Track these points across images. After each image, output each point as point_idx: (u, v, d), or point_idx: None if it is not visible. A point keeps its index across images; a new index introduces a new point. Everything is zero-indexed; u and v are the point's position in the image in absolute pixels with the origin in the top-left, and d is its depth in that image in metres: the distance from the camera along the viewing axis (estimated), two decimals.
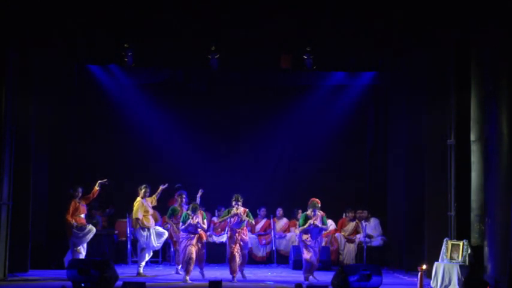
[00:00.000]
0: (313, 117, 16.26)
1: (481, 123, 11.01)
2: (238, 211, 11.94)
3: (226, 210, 12.11)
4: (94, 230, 12.73)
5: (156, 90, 15.83)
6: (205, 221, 12.05)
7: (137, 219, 12.59)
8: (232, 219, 12.01)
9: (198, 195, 12.41)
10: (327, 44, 13.37)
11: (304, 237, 12.02)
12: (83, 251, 12.61)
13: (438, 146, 12.20)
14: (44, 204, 13.49)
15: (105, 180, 12.89)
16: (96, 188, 12.78)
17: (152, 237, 12.61)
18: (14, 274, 12.00)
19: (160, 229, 12.85)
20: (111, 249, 14.25)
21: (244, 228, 12.16)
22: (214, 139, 16.12)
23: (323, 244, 14.14)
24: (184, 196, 13.01)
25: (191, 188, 13.24)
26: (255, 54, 13.80)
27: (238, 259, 11.94)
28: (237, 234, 12.02)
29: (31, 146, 12.64)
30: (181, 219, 12.13)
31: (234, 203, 12.00)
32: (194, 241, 11.88)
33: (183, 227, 11.86)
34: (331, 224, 14.99)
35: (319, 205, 12.09)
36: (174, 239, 13.03)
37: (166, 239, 13.24)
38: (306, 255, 11.98)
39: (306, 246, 12.02)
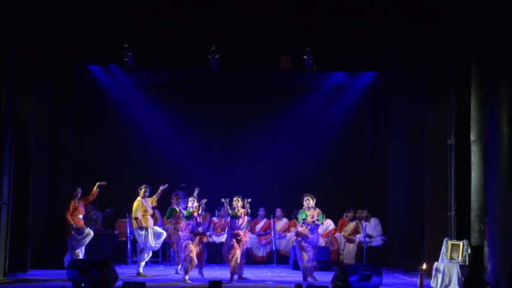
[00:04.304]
0: (313, 117, 16.26)
1: (481, 123, 11.00)
2: (240, 212, 11.98)
3: (233, 211, 12.07)
4: (92, 234, 12.77)
5: (156, 90, 15.84)
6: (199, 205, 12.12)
7: (136, 218, 12.61)
8: (237, 221, 12.01)
9: (195, 193, 12.42)
10: (327, 44, 13.35)
11: (301, 229, 11.99)
12: (80, 254, 12.62)
13: (438, 146, 12.20)
14: (43, 204, 13.50)
15: (104, 182, 12.90)
16: (95, 189, 12.80)
17: (150, 237, 12.61)
18: (14, 274, 12.00)
19: (158, 229, 12.85)
20: (111, 249, 14.26)
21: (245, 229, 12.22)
22: (214, 139, 16.13)
23: (323, 244, 14.17)
24: (181, 196, 13.02)
25: (190, 188, 13.25)
26: (255, 54, 13.79)
27: (240, 259, 11.93)
28: (243, 236, 12.03)
29: (31, 146, 12.64)
30: (167, 214, 12.40)
31: (236, 203, 12.02)
32: (196, 241, 11.88)
33: (185, 219, 11.91)
34: (330, 224, 15.02)
35: (315, 200, 12.15)
36: (173, 240, 13.05)
37: (165, 240, 13.25)
38: (304, 258, 11.97)
39: (303, 248, 12.01)
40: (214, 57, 13.41)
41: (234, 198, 12.10)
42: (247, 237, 12.26)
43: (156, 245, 12.85)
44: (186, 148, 15.85)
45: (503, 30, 10.54)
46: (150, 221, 12.76)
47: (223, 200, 12.14)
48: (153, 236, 12.67)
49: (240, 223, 12.00)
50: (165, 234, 12.92)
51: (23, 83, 12.32)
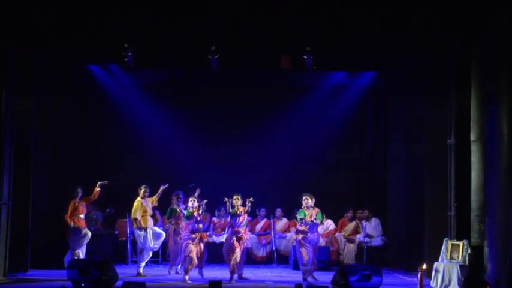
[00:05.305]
0: (313, 117, 16.26)
1: (481, 123, 11.00)
2: (240, 210, 12.00)
3: (234, 210, 12.07)
4: (89, 234, 12.74)
5: (156, 90, 15.85)
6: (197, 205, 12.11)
7: (135, 219, 12.61)
8: (237, 219, 12.01)
9: (196, 195, 12.43)
10: (327, 44, 13.36)
11: (301, 228, 12.02)
12: (81, 254, 12.61)
13: (438, 146, 12.20)
14: (43, 204, 13.50)
15: (106, 181, 12.89)
16: (97, 189, 12.79)
17: (149, 237, 12.60)
18: (14, 274, 12.00)
19: (158, 230, 12.84)
20: (111, 249, 14.25)
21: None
22: (214, 139, 16.12)
23: (323, 244, 14.17)
24: (181, 196, 13.04)
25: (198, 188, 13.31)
26: (255, 54, 13.80)
27: (239, 258, 11.92)
28: (244, 234, 12.04)
29: (31, 146, 12.64)
30: (167, 214, 12.66)
31: (236, 201, 12.03)
32: (196, 240, 11.88)
33: (185, 219, 11.93)
34: (330, 224, 15.03)
35: (313, 200, 12.17)
36: (170, 242, 13.03)
37: (166, 240, 13.25)
38: (304, 257, 11.97)
39: (303, 246, 12.01)
40: (214, 57, 13.42)
41: (234, 197, 12.10)
42: (247, 236, 12.28)
43: (156, 245, 12.85)
44: (186, 148, 15.84)
45: (503, 30, 10.54)
46: (150, 222, 12.75)
47: (225, 199, 12.13)
48: (153, 236, 12.66)
49: (240, 221, 12.01)
50: (164, 235, 12.92)
51: (23, 83, 12.32)
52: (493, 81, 10.61)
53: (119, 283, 10.35)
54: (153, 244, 12.71)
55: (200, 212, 12.04)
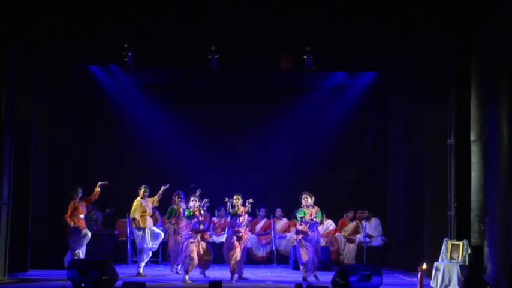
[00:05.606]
0: (313, 117, 16.26)
1: (481, 123, 11.01)
2: (240, 210, 12.00)
3: (234, 210, 12.06)
4: (89, 234, 12.73)
5: (156, 90, 15.85)
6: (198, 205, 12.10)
7: (134, 219, 12.61)
8: (238, 219, 12.01)
9: (197, 194, 12.43)
10: (327, 44, 13.36)
11: (301, 228, 12.03)
12: (81, 254, 12.60)
13: (438, 146, 12.20)
14: (43, 204, 13.50)
15: (106, 182, 12.89)
16: (97, 189, 12.79)
17: (147, 237, 12.59)
18: (14, 274, 12.00)
19: (156, 230, 12.83)
20: (111, 249, 14.25)
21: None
22: (214, 139, 16.13)
23: (323, 244, 14.17)
24: (182, 196, 13.04)
25: (199, 188, 13.30)
26: (255, 54, 13.80)
27: (240, 257, 11.92)
28: (244, 233, 12.03)
29: (31, 146, 12.64)
30: (167, 214, 12.78)
31: (236, 201, 12.02)
32: (197, 239, 11.86)
33: (186, 218, 11.91)
34: (330, 224, 15.03)
35: (313, 198, 12.18)
36: (170, 242, 13.03)
37: (165, 240, 13.24)
38: (304, 257, 11.98)
39: (303, 246, 12.02)
40: (214, 57, 13.42)
41: (234, 197, 12.10)
42: (247, 236, 12.28)
43: (154, 245, 12.83)
44: (186, 148, 15.84)
45: (503, 30, 10.54)
46: (149, 222, 12.74)
47: (226, 199, 12.13)
48: (151, 236, 12.64)
49: (240, 221, 12.01)
50: (162, 235, 12.92)
51: (23, 83, 12.32)
52: (493, 81, 10.61)
53: (119, 283, 10.34)
54: (151, 244, 12.70)
55: (203, 212, 12.04)
